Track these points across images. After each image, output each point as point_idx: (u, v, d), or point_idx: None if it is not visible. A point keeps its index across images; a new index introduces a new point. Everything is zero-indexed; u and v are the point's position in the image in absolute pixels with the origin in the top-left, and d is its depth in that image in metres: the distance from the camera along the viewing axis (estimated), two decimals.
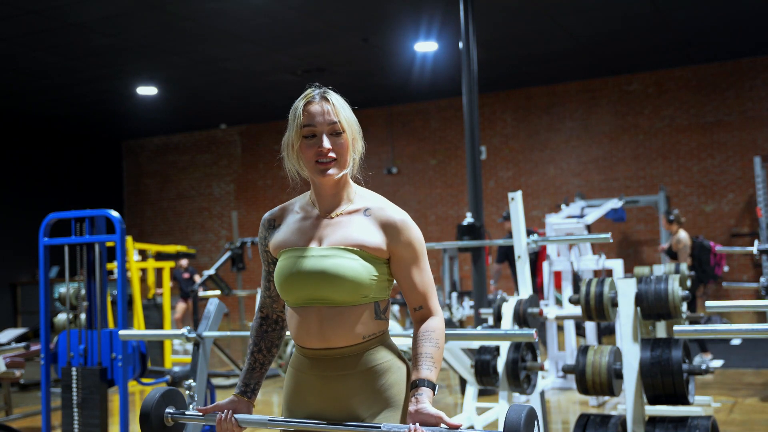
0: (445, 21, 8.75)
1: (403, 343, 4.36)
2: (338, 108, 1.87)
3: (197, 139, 15.26)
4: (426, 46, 9.79)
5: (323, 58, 10.23)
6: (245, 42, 9.33)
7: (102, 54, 9.59)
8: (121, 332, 3.67)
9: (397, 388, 1.87)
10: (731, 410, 5.73)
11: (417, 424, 1.71)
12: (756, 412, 5.66)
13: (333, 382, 1.85)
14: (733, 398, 6.15)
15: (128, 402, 4.80)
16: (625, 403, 4.27)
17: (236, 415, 1.91)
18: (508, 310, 4.54)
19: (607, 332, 7.32)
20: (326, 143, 1.85)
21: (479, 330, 3.76)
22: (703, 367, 3.57)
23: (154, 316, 9.05)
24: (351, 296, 1.82)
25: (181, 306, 11.43)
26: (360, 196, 1.94)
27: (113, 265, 8.18)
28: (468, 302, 8.84)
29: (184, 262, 11.52)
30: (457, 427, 1.69)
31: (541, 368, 4.29)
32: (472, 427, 1.70)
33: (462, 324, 8.59)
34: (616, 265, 6.88)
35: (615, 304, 3.86)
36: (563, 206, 9.21)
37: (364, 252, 1.84)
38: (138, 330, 7.24)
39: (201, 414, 1.95)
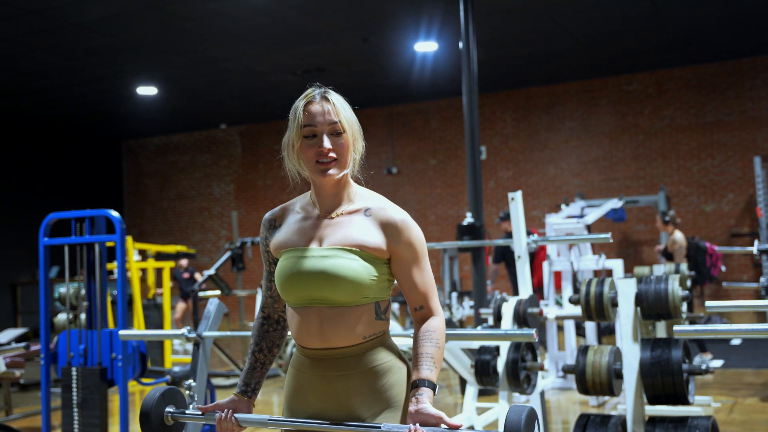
0: (445, 21, 8.75)
1: (403, 343, 4.36)
2: (339, 108, 1.87)
3: (197, 139, 15.27)
4: (426, 46, 9.79)
5: (323, 58, 10.23)
6: (245, 42, 9.33)
7: (102, 54, 9.59)
8: (121, 332, 3.67)
9: (398, 389, 1.87)
10: (731, 410, 5.73)
11: (417, 425, 1.70)
12: (756, 412, 5.66)
13: (333, 382, 1.85)
14: (733, 398, 6.15)
15: (128, 402, 4.80)
16: (625, 403, 4.27)
17: (236, 415, 1.91)
18: (508, 310, 4.54)
19: (607, 332, 7.31)
20: (327, 143, 1.84)
21: (479, 330, 3.76)
22: (703, 367, 3.57)
23: (154, 316, 9.05)
24: (351, 296, 1.81)
25: (181, 306, 11.43)
26: (360, 196, 1.93)
27: (113, 265, 8.18)
28: (468, 302, 8.84)
29: (184, 262, 11.52)
30: (457, 428, 1.69)
31: (542, 368, 4.29)
32: (471, 427, 1.70)
33: (462, 324, 8.59)
34: (616, 265, 6.88)
35: (615, 304, 3.86)
36: (563, 206, 9.21)
37: (364, 252, 1.84)
38: (138, 330, 7.24)
39: (201, 413, 1.95)
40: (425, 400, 1.75)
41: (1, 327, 12.04)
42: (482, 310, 5.49)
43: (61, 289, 7.99)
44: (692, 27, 9.65)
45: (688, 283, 5.24)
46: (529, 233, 6.05)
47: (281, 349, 2.09)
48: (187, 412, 1.99)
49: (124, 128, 14.72)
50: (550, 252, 7.06)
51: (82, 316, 5.08)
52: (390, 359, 1.88)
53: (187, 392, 3.34)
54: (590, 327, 6.72)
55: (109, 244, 5.05)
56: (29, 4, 7.77)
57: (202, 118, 14.14)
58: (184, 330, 3.52)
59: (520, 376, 4.20)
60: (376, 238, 1.85)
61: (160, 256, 11.45)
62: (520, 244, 4.77)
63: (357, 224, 1.87)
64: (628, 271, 8.66)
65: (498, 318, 4.62)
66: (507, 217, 8.51)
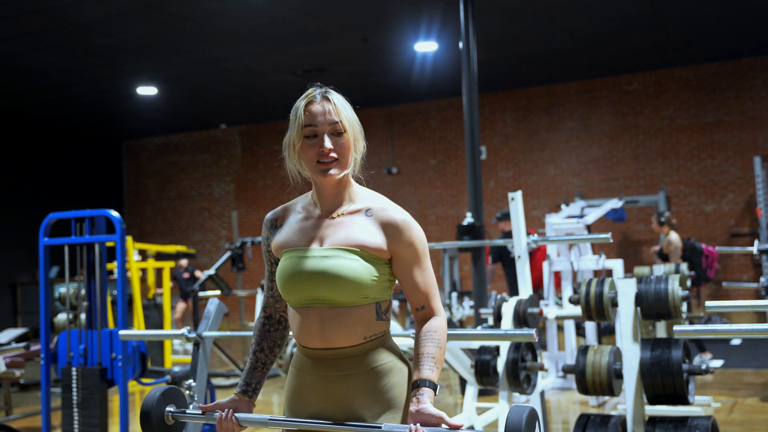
0: (445, 21, 8.75)
1: (403, 343, 4.36)
2: (339, 108, 1.86)
3: (197, 139, 15.27)
4: (426, 46, 9.79)
5: (323, 58, 10.23)
6: (245, 42, 9.33)
7: (102, 54, 9.59)
8: (121, 332, 3.67)
9: (399, 390, 1.87)
10: (731, 410, 5.73)
11: (418, 425, 1.70)
12: (756, 412, 5.66)
13: (334, 383, 1.85)
14: (733, 398, 6.15)
15: (128, 402, 4.80)
16: (625, 403, 4.27)
17: (237, 414, 1.91)
18: (508, 310, 4.54)
19: (607, 332, 7.31)
20: (327, 143, 1.84)
21: (479, 330, 3.76)
22: (703, 367, 3.57)
23: (154, 316, 9.05)
24: (352, 297, 1.81)
25: (181, 306, 11.43)
26: (362, 196, 1.93)
27: (113, 265, 8.18)
28: (468, 302, 8.84)
29: (184, 262, 11.52)
30: (458, 428, 1.69)
31: (542, 368, 4.29)
32: (471, 428, 1.70)
33: (462, 324, 8.59)
34: (616, 265, 6.88)
35: (615, 304, 3.86)
36: (563, 206, 9.21)
37: (365, 252, 1.83)
38: (138, 330, 7.24)
39: (201, 412, 1.95)
40: (426, 400, 1.75)
41: (1, 327, 12.04)
42: (482, 310, 5.49)
43: (61, 289, 7.99)
44: (692, 27, 9.65)
45: (688, 283, 5.24)
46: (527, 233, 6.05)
47: (282, 350, 2.09)
48: (187, 411, 1.99)
49: (124, 128, 14.73)
50: (550, 252, 7.06)
51: (82, 316, 5.08)
52: (391, 360, 1.88)
53: (187, 392, 3.34)
54: (590, 327, 6.72)
55: (109, 244, 5.05)
56: (29, 4, 7.77)
57: (202, 118, 14.14)
58: (184, 330, 3.52)
59: (520, 376, 4.20)
60: (377, 239, 1.85)
61: (160, 256, 11.45)
62: (520, 244, 4.77)
63: (358, 224, 1.87)
64: (628, 271, 8.65)
65: (498, 318, 4.62)
66: (504, 217, 8.51)
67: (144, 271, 9.58)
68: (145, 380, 5.60)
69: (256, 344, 2.01)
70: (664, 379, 3.52)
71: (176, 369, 5.17)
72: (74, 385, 4.72)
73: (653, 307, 3.72)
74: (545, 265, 7.17)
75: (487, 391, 6.08)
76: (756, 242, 5.72)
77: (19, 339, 7.37)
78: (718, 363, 7.48)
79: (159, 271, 10.40)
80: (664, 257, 8.33)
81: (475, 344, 4.51)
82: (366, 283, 1.81)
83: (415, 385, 1.79)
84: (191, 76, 10.95)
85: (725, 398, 6.15)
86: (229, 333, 3.76)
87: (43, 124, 13.69)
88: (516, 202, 4.74)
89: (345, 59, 10.35)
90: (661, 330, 5.09)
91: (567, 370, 3.89)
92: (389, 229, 1.86)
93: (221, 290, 8.57)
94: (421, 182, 13.30)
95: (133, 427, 5.77)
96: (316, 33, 9.13)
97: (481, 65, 8.27)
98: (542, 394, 4.63)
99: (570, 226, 7.08)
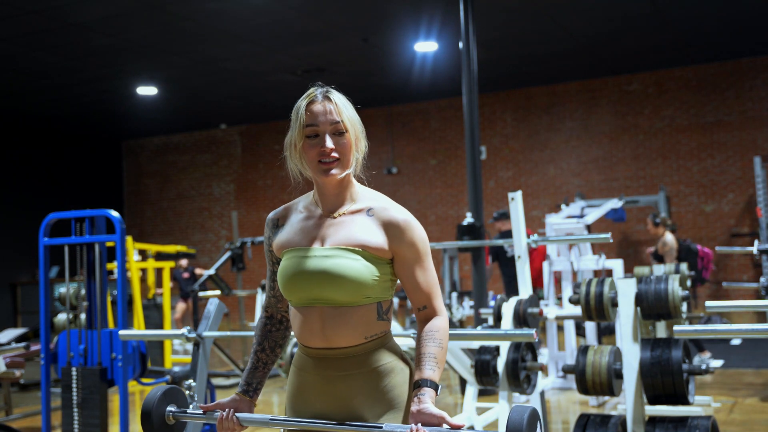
0: (445, 21, 8.75)
1: (403, 343, 4.36)
2: (341, 107, 1.86)
3: (197, 139, 15.27)
4: (426, 46, 9.79)
5: (323, 58, 10.23)
6: (245, 42, 9.33)
7: (102, 54, 9.59)
8: (121, 332, 3.67)
9: (400, 390, 1.87)
10: (731, 410, 5.73)
11: (419, 425, 1.70)
12: (756, 412, 5.66)
13: (336, 382, 1.85)
14: (733, 398, 6.16)
15: (128, 402, 4.80)
16: (625, 403, 4.27)
17: (238, 414, 1.91)
18: (508, 310, 4.54)
19: (607, 332, 7.31)
20: (329, 143, 1.84)
21: (479, 330, 3.76)
22: (703, 367, 3.57)
23: (154, 316, 9.04)
24: (353, 296, 1.81)
25: (181, 306, 11.43)
26: (363, 195, 1.93)
27: (113, 265, 8.18)
28: (468, 302, 8.84)
29: (184, 262, 11.52)
30: (459, 428, 1.69)
31: (542, 368, 4.29)
32: (471, 428, 1.70)
33: (462, 324, 8.59)
34: (616, 265, 6.88)
35: (615, 304, 3.86)
36: (563, 206, 9.21)
37: (366, 252, 1.83)
38: (138, 330, 7.24)
39: (202, 412, 1.95)
40: (427, 400, 1.75)
41: (1, 327, 12.04)
42: (482, 310, 5.49)
43: (61, 289, 7.99)
44: (692, 27, 9.65)
45: (688, 283, 5.24)
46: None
47: (283, 350, 2.09)
48: (188, 411, 1.99)
49: (124, 128, 14.73)
50: (550, 252, 7.06)
51: (82, 316, 5.08)
52: (392, 360, 1.88)
53: (187, 392, 3.34)
54: (590, 327, 6.72)
55: (109, 244, 5.05)
56: (29, 4, 7.77)
57: (202, 118, 14.14)
58: (184, 330, 3.52)
59: (520, 376, 4.20)
60: (378, 238, 1.85)
61: (160, 256, 11.46)
62: (520, 244, 4.77)
63: (359, 224, 1.87)
64: (628, 271, 8.65)
65: (498, 318, 4.62)
66: (500, 217, 8.51)
67: (144, 271, 9.58)
68: (145, 380, 5.60)
69: (257, 344, 2.01)
70: (664, 379, 3.52)
71: (176, 369, 5.17)
72: (74, 385, 4.72)
73: (653, 307, 3.72)
74: (545, 265, 7.17)
75: (487, 391, 6.08)
76: (756, 242, 5.72)
77: (19, 339, 7.37)
78: (718, 363, 7.48)
79: (159, 271, 10.40)
80: (660, 258, 8.33)
81: (475, 344, 4.51)
82: (367, 283, 1.81)
83: (416, 385, 1.79)
84: (191, 76, 10.95)
85: (725, 398, 6.15)
86: (229, 333, 3.76)
87: (43, 124, 13.69)
88: (516, 202, 4.74)
89: (345, 59, 10.35)
90: (661, 330, 5.09)
91: (567, 370, 3.89)
92: (391, 228, 1.86)
93: (221, 290, 8.57)
94: (421, 182, 13.30)
95: (133, 427, 5.77)
96: (316, 33, 9.14)
97: (481, 65, 8.27)
98: (542, 394, 4.63)
99: (570, 226, 7.08)
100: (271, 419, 1.87)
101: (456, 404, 6.37)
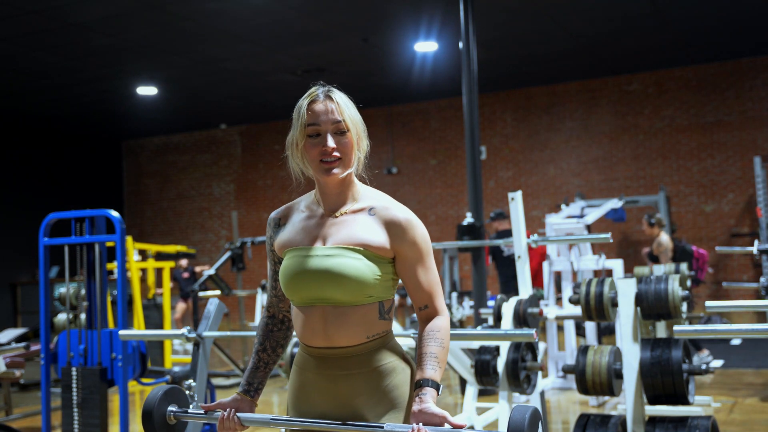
0: (445, 21, 8.75)
1: (404, 343, 4.36)
2: (342, 107, 1.86)
3: (197, 139, 15.27)
4: (426, 46, 9.79)
5: (323, 58, 10.23)
6: (245, 42, 9.33)
7: (102, 54, 9.59)
8: (121, 332, 3.67)
9: (401, 389, 1.87)
10: (731, 410, 5.73)
11: (420, 424, 1.70)
12: (756, 412, 5.66)
13: (337, 382, 1.85)
14: (733, 398, 6.16)
15: (128, 402, 4.80)
16: (625, 403, 4.27)
17: (239, 414, 1.91)
18: (508, 310, 4.54)
19: (607, 332, 7.31)
20: (331, 142, 1.84)
21: (479, 330, 3.76)
22: (703, 367, 3.57)
23: (154, 316, 9.04)
24: (355, 296, 1.81)
25: (181, 306, 11.43)
26: (365, 195, 1.93)
27: (113, 265, 8.18)
28: (468, 302, 8.84)
29: (184, 262, 11.52)
30: (461, 427, 1.69)
31: (542, 369, 4.29)
32: (472, 428, 1.70)
33: (462, 324, 8.59)
34: (616, 265, 6.88)
35: (615, 304, 3.86)
36: (563, 206, 9.21)
37: (368, 251, 1.83)
38: (138, 330, 7.24)
39: (204, 412, 1.95)
40: (429, 400, 1.75)
41: (1, 327, 12.04)
42: (482, 310, 5.49)
43: (61, 289, 7.99)
44: (692, 27, 9.65)
45: (688, 283, 5.24)
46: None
47: (285, 349, 2.09)
48: (189, 411, 1.99)
49: (124, 128, 14.72)
50: (550, 252, 7.07)
51: (82, 316, 5.08)
52: (393, 360, 1.88)
53: (187, 392, 3.34)
54: (590, 327, 6.72)
55: (109, 244, 5.05)
56: (29, 4, 7.77)
57: (202, 118, 14.14)
58: (184, 330, 3.52)
59: (520, 376, 4.20)
60: (380, 238, 1.85)
61: (160, 256, 11.45)
62: (521, 244, 4.77)
63: (361, 223, 1.87)
64: (628, 271, 8.66)
65: (498, 318, 4.62)
66: (497, 217, 8.51)
67: (144, 271, 9.58)
68: (145, 380, 5.60)
69: (258, 344, 2.01)
70: (664, 379, 3.52)
71: (176, 369, 5.17)
72: (74, 385, 4.72)
73: (653, 307, 3.72)
74: (545, 265, 7.18)
75: (487, 391, 6.08)
76: (756, 242, 5.72)
77: (19, 339, 7.37)
78: (718, 363, 7.49)
79: (159, 271, 10.40)
80: (655, 259, 8.34)
81: (475, 344, 4.51)
82: (369, 282, 1.81)
83: (417, 385, 1.79)
84: (191, 76, 10.95)
85: (725, 398, 6.15)
86: (229, 333, 3.76)
87: (43, 124, 13.69)
88: (516, 202, 4.75)
89: (345, 59, 10.35)
90: (661, 330, 5.09)
91: (567, 370, 3.89)
92: (392, 227, 1.86)
93: (221, 290, 8.57)
94: (421, 182, 13.30)
95: (133, 427, 5.77)
96: (316, 33, 9.14)
97: (481, 65, 8.28)
98: (542, 394, 4.63)
99: (570, 226, 7.08)
100: (272, 419, 1.87)
101: (456, 404, 6.37)
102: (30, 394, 7.76)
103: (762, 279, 5.60)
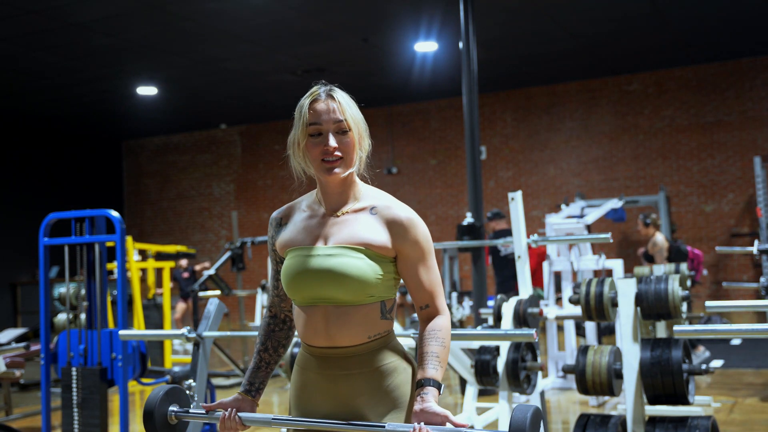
0: (445, 21, 8.76)
1: (404, 343, 4.36)
2: (344, 106, 1.86)
3: (197, 139, 15.27)
4: (426, 46, 9.79)
5: (323, 58, 10.23)
6: (245, 42, 9.33)
7: (102, 54, 9.59)
8: (121, 332, 3.67)
9: (403, 389, 1.87)
10: (731, 410, 5.73)
11: (422, 423, 1.70)
12: (756, 412, 5.66)
13: (339, 381, 1.85)
14: (733, 398, 6.16)
15: (128, 402, 4.80)
16: (625, 403, 4.27)
17: (240, 414, 1.91)
18: (508, 310, 4.54)
19: (607, 332, 7.31)
20: (332, 142, 1.84)
21: (479, 330, 3.76)
22: (704, 367, 3.57)
23: (154, 316, 9.04)
24: (356, 295, 1.81)
25: (181, 306, 11.43)
26: (366, 194, 1.93)
27: (113, 265, 8.17)
28: (468, 302, 8.84)
29: (184, 262, 11.52)
30: (462, 427, 1.69)
31: (541, 369, 4.29)
32: (472, 427, 1.70)
33: (462, 324, 8.59)
34: (616, 265, 6.88)
35: (615, 304, 3.86)
36: (563, 206, 9.21)
37: (369, 251, 1.83)
38: (138, 330, 7.24)
39: (205, 412, 1.95)
40: (430, 399, 1.75)
41: (1, 327, 12.03)
42: (482, 310, 5.49)
43: (61, 289, 7.99)
44: (692, 27, 9.65)
45: (688, 283, 5.24)
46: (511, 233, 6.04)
47: (287, 349, 2.09)
48: (190, 411, 1.99)
49: (124, 128, 14.72)
50: (550, 252, 7.06)
51: (82, 316, 5.08)
52: (395, 359, 1.88)
53: (187, 392, 3.34)
54: (590, 327, 6.72)
55: (109, 244, 5.05)
56: (29, 4, 7.77)
57: (202, 118, 14.14)
58: (184, 330, 3.52)
59: (520, 376, 4.20)
60: (381, 237, 1.85)
61: (160, 256, 11.45)
62: (521, 244, 4.77)
63: (363, 223, 1.87)
64: (628, 271, 8.66)
65: (498, 318, 4.62)
66: (495, 216, 8.51)
67: (144, 271, 9.57)
68: (145, 380, 5.60)
69: (260, 344, 2.01)
70: (664, 379, 3.52)
71: (176, 369, 5.17)
72: (74, 385, 4.72)
73: (653, 307, 3.72)
74: (545, 265, 7.17)
75: (487, 391, 6.08)
76: (756, 242, 5.72)
77: (19, 339, 7.37)
78: (718, 363, 7.49)
79: (159, 271, 10.40)
80: (650, 258, 8.34)
81: (475, 344, 4.51)
82: (371, 282, 1.81)
83: (419, 384, 1.79)
84: (191, 76, 10.95)
85: (725, 398, 6.15)
86: (229, 333, 3.76)
87: (43, 124, 13.69)
88: (516, 202, 4.75)
89: (345, 59, 10.35)
90: (661, 330, 5.09)
91: (567, 370, 3.89)
92: (394, 227, 1.86)
93: (221, 290, 8.57)
94: (421, 182, 13.30)
95: (133, 427, 5.77)
96: (316, 33, 9.14)
97: (481, 65, 8.28)
98: (542, 394, 4.64)
99: (570, 226, 7.08)
100: (273, 419, 1.87)
101: (456, 404, 6.37)
102: (30, 394, 7.76)
103: (762, 279, 5.60)
